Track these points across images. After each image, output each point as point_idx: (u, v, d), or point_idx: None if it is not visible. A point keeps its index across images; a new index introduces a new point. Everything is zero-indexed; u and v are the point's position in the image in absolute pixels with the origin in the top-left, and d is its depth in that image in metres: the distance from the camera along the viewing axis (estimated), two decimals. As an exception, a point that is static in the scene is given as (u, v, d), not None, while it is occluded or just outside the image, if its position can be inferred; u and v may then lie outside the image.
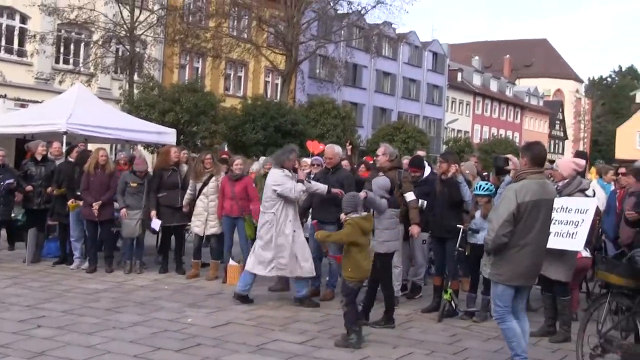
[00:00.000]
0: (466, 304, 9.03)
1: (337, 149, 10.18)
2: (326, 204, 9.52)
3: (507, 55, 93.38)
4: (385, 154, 9.10)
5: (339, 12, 38.20)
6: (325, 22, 39.17)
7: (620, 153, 56.87)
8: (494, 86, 78.38)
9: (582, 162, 8.16)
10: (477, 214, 8.79)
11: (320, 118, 34.48)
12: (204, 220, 11.22)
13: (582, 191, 7.90)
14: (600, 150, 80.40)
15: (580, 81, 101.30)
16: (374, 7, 35.68)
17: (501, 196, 6.55)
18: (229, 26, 37.08)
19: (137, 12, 28.58)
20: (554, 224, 7.63)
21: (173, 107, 23.63)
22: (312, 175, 10.34)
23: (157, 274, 11.39)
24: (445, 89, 67.77)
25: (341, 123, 35.12)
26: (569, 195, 7.83)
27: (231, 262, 10.86)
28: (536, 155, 6.17)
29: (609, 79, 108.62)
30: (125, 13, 28.11)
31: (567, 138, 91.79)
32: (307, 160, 11.94)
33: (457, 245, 8.72)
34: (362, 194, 8.09)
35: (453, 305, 8.84)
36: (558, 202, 7.78)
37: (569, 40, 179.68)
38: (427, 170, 10.17)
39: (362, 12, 36.63)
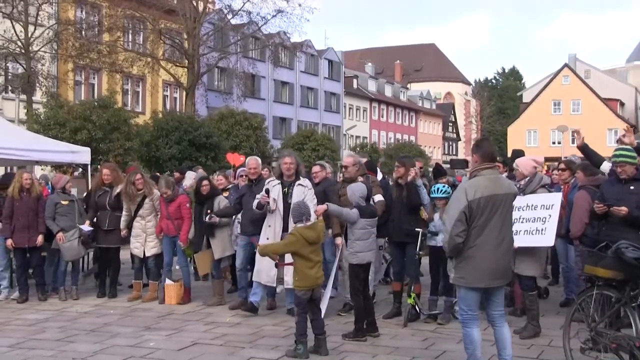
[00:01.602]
0: (428, 307, 9.03)
1: (260, 160, 10.45)
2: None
3: (398, 61, 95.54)
4: (356, 165, 8.96)
5: (237, 22, 37.85)
6: (223, 33, 38.77)
7: (513, 151, 58.97)
8: (388, 91, 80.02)
9: (541, 159, 8.34)
10: (436, 216, 8.76)
11: (232, 130, 34.05)
12: (142, 241, 10.86)
13: (545, 186, 8.01)
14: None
15: (469, 83, 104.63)
16: (274, 16, 35.59)
17: (452, 197, 6.52)
18: (126, 40, 36.15)
19: (31, 28, 27.37)
20: (522, 222, 7.75)
21: (85, 124, 22.73)
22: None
23: (96, 299, 10.87)
24: (342, 96, 68.59)
25: (253, 134, 34.83)
26: (533, 192, 7.94)
27: (168, 281, 10.55)
28: (486, 151, 6.10)
29: (493, 81, 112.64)
30: (18, 28, 26.87)
31: (460, 139, 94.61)
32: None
33: (417, 248, 8.69)
34: (323, 206, 7.91)
35: (417, 309, 8.81)
36: (523, 200, 7.91)
37: (455, 45, 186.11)
38: (379, 176, 10.13)
39: (262, 22, 36.39)
